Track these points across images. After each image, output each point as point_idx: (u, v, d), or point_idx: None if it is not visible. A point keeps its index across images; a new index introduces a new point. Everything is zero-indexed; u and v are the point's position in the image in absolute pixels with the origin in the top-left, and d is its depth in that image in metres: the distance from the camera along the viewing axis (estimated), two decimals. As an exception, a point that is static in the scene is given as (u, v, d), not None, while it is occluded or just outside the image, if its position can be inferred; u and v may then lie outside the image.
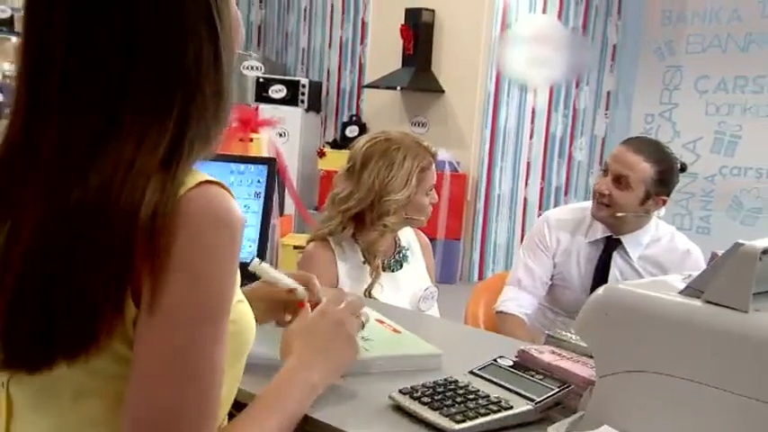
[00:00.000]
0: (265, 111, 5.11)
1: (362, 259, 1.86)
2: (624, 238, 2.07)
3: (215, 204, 0.75)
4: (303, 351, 1.01)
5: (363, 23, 6.29)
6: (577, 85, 5.89)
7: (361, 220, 1.85)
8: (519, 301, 2.10)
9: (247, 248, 1.64)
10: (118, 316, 0.73)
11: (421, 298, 1.87)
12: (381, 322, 1.38)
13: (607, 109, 6.06)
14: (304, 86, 6.19)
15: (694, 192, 5.62)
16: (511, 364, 1.16)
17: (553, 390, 1.08)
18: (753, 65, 5.39)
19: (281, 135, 5.51)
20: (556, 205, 5.85)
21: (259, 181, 1.66)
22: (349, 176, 1.85)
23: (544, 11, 5.57)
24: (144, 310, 0.73)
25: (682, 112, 5.77)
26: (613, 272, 2.08)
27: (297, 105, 6.13)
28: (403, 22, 5.47)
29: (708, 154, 5.61)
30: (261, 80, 6.08)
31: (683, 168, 2.07)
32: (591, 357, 1.17)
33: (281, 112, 5.54)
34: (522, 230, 5.67)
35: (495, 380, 1.12)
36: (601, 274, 2.09)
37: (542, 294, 2.15)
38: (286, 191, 4.28)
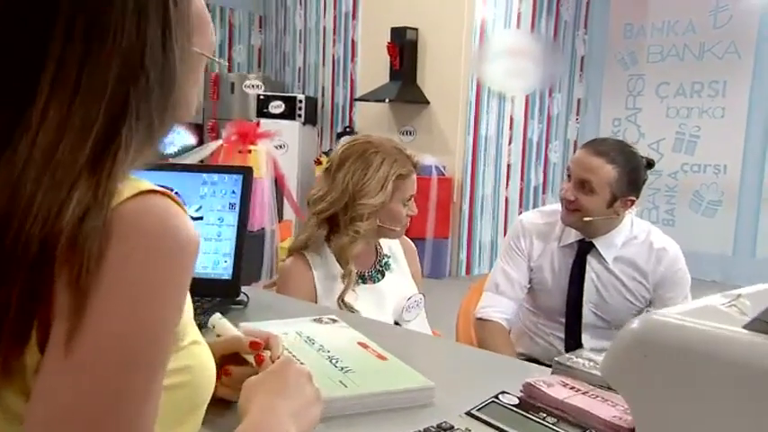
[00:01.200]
0: (266, 125, 4.94)
1: (340, 270, 1.53)
2: (597, 241, 1.75)
3: (158, 221, 0.52)
4: (268, 401, 0.71)
5: (353, 43, 6.14)
6: (550, 94, 5.82)
7: (336, 223, 1.53)
8: (498, 306, 1.80)
9: (222, 264, 1.32)
10: (17, 354, 0.50)
11: (404, 308, 1.54)
12: (365, 346, 1.07)
13: (578, 114, 6.10)
14: (301, 102, 6.07)
15: (659, 187, 5.71)
16: (515, 402, 0.85)
17: (571, 438, 0.77)
18: (707, 71, 5.36)
19: (280, 147, 5.37)
20: (535, 204, 5.69)
21: (234, 192, 1.34)
22: (326, 177, 1.54)
23: (518, 26, 5.33)
24: (55, 350, 0.49)
25: (645, 116, 5.74)
26: (589, 275, 1.77)
27: (295, 119, 6.01)
28: (389, 40, 5.29)
29: (670, 153, 5.69)
30: (261, 97, 5.98)
31: (651, 165, 1.74)
32: (609, 389, 0.86)
33: (281, 126, 5.42)
34: (505, 228, 5.50)
35: (497, 424, 0.80)
36: (576, 279, 1.77)
37: (522, 298, 1.84)
38: (285, 198, 4.08)
